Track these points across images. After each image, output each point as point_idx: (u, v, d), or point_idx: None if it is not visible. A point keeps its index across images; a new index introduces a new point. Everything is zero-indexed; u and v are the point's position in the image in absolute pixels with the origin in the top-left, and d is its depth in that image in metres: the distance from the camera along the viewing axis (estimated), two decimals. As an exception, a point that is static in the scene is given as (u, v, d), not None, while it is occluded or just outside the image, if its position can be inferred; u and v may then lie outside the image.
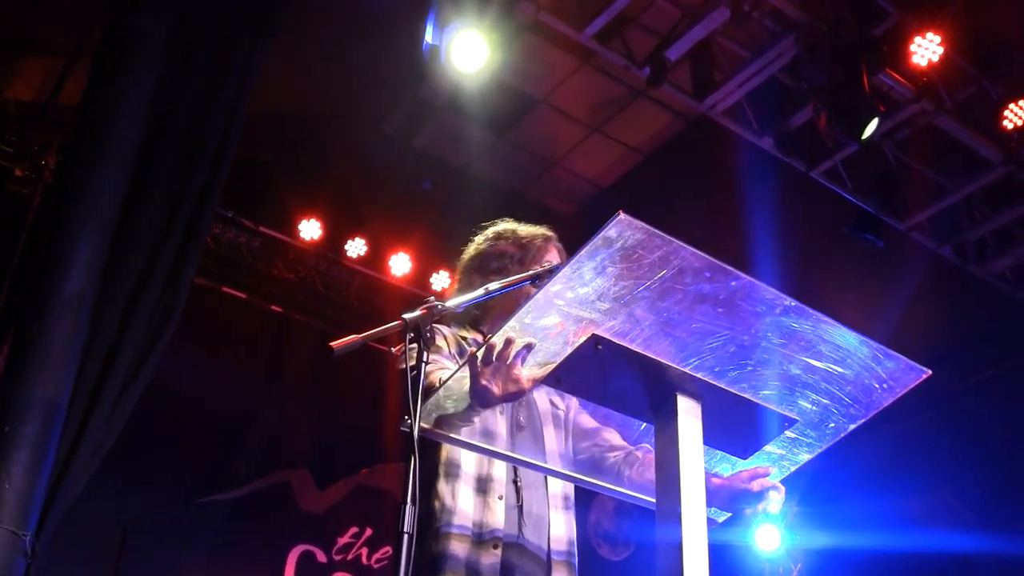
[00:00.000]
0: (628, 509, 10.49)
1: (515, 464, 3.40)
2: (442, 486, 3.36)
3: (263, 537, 9.10)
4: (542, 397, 3.60)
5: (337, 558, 9.36)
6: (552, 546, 3.42)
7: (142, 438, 7.33)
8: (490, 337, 2.73)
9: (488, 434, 3.27)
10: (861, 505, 10.45)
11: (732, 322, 2.62)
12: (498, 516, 3.33)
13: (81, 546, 7.54)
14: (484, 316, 3.76)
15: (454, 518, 3.30)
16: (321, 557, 9.28)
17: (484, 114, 8.78)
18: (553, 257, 3.78)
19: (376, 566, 9.48)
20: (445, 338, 3.58)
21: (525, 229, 3.89)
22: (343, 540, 9.45)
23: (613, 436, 3.49)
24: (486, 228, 3.95)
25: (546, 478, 3.52)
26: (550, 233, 3.91)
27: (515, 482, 3.42)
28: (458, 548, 3.26)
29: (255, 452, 9.25)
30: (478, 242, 3.91)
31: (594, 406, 3.43)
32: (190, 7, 6.09)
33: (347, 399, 9.74)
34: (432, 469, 3.39)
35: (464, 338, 3.66)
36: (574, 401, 3.65)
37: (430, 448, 3.34)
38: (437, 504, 3.34)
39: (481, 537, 3.29)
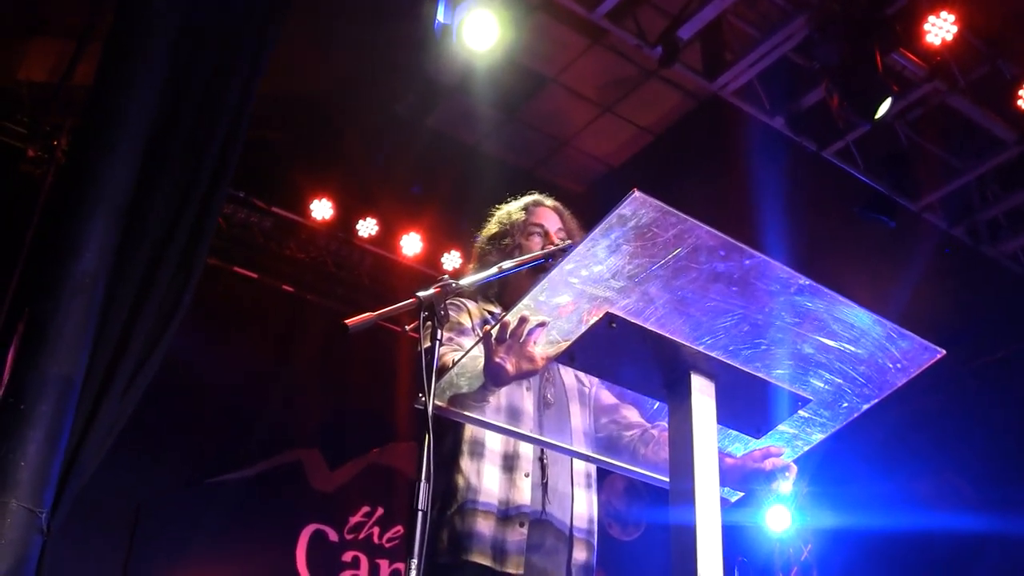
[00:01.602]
0: (639, 489, 10.52)
1: (527, 442, 3.41)
2: (466, 463, 3.37)
3: (274, 516, 9.13)
4: (568, 373, 3.62)
5: (348, 537, 9.40)
6: (575, 523, 3.44)
7: (154, 417, 7.37)
8: (504, 315, 2.74)
9: (515, 411, 3.29)
10: (870, 486, 10.45)
11: (746, 301, 2.62)
12: (524, 494, 3.34)
13: (94, 525, 7.57)
14: (503, 292, 3.79)
15: (480, 496, 3.31)
16: (332, 536, 9.32)
17: (495, 93, 8.77)
18: (538, 218, 3.86)
19: (387, 545, 9.50)
20: (469, 312, 3.61)
21: (510, 205, 3.99)
22: (354, 519, 9.48)
23: (632, 413, 3.51)
24: (501, 207, 4.00)
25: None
26: (531, 198, 3.98)
27: (541, 459, 3.44)
28: (484, 526, 3.27)
29: (266, 432, 9.27)
30: (490, 222, 3.97)
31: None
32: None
33: (358, 378, 9.76)
34: (456, 446, 3.41)
35: (490, 311, 3.69)
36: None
37: (453, 425, 3.36)
38: (461, 481, 3.35)
39: (507, 514, 3.30)
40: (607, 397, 3.63)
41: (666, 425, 3.06)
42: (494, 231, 3.90)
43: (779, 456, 3.08)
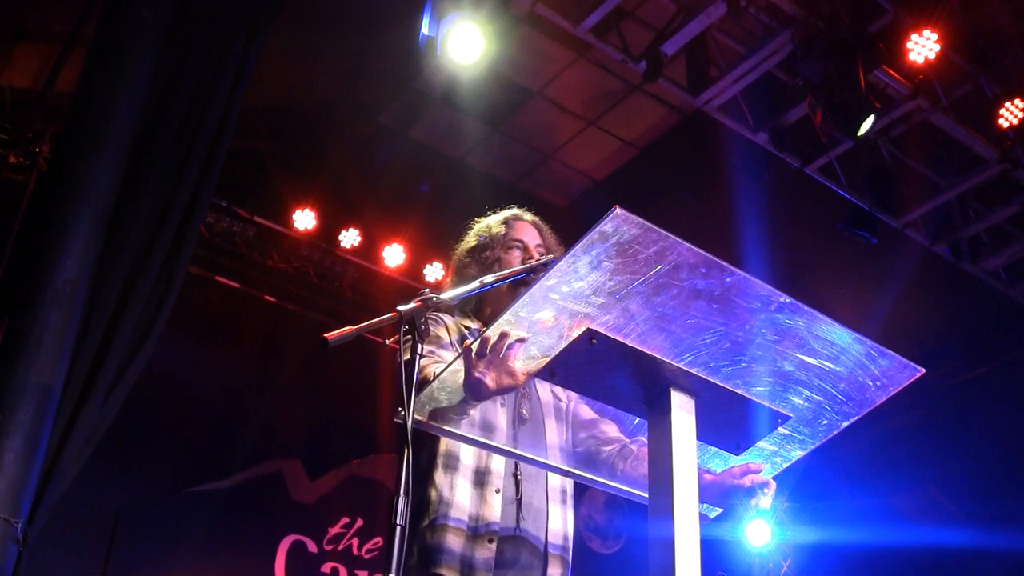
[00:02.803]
0: (619, 503, 10.52)
1: (509, 458, 3.40)
2: (440, 477, 3.36)
3: (254, 527, 9.10)
4: (544, 389, 3.61)
5: (328, 548, 9.36)
6: (549, 539, 3.42)
7: (134, 426, 7.35)
8: (485, 330, 2.73)
9: (489, 426, 3.27)
10: (850, 501, 10.47)
11: (727, 318, 2.61)
12: (494, 510, 3.32)
13: (73, 534, 7.53)
14: (483, 306, 3.78)
15: (451, 511, 3.29)
16: (312, 547, 9.28)
17: (480, 106, 8.78)
18: (518, 232, 3.85)
19: (366, 557, 9.48)
20: (447, 327, 3.59)
21: (490, 219, 3.97)
22: (334, 530, 9.45)
23: (611, 428, 3.50)
24: (479, 220, 3.99)
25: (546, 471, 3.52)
26: (510, 212, 3.98)
27: (515, 475, 3.42)
28: (453, 541, 3.25)
29: (247, 442, 9.25)
30: (468, 235, 3.96)
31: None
32: (187, -4, 6.09)
33: (340, 389, 9.75)
34: (431, 459, 3.40)
35: (468, 327, 3.68)
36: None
37: (429, 438, 3.34)
38: (434, 495, 3.34)
39: (476, 531, 3.28)
40: (586, 412, 3.61)
41: (645, 440, 3.06)
42: (473, 244, 3.90)
43: (758, 472, 3.08)
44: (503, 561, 3.27)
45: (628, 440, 3.40)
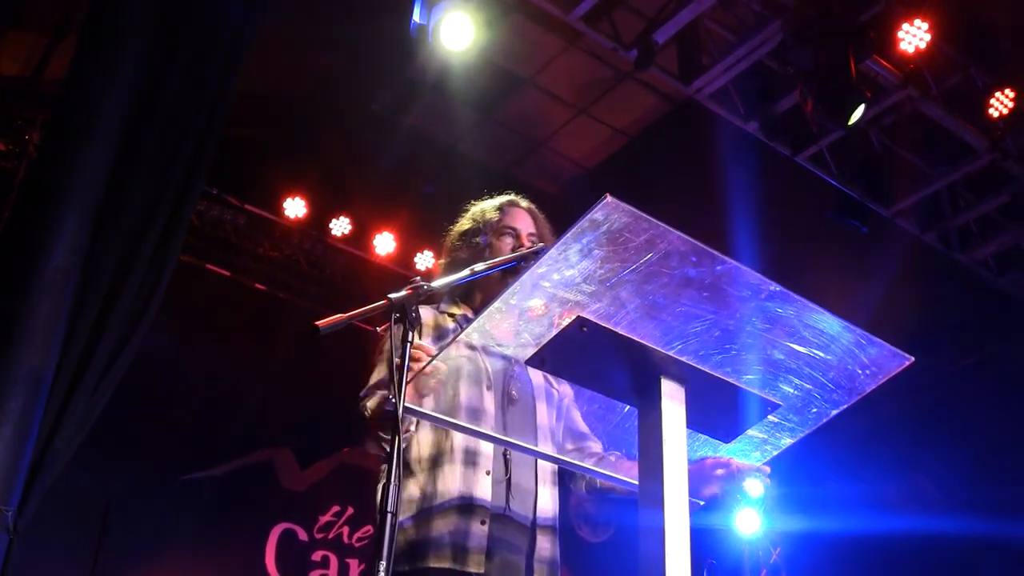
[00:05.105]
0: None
1: (497, 444, 3.41)
2: (426, 465, 3.38)
3: (245, 515, 9.12)
4: (536, 373, 3.61)
5: (318, 536, 9.38)
6: (537, 518, 3.45)
7: (125, 415, 7.32)
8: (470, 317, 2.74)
9: (475, 411, 3.29)
10: (840, 489, 10.49)
11: (717, 306, 2.61)
12: (485, 490, 3.34)
13: (63, 522, 7.52)
14: (473, 292, 3.79)
15: (437, 498, 3.31)
16: (302, 535, 9.30)
17: (471, 94, 8.77)
18: (511, 219, 3.85)
19: (357, 545, 9.50)
20: (420, 328, 3.56)
21: (485, 204, 3.97)
22: (324, 519, 9.47)
23: (596, 446, 3.56)
24: (475, 204, 4.00)
25: None
26: (506, 198, 3.98)
27: (504, 455, 3.44)
28: (442, 528, 3.26)
29: (238, 430, 9.25)
30: (463, 218, 3.97)
31: (584, 407, 3.50)
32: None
33: (330, 378, 9.73)
34: (417, 447, 3.41)
35: (453, 315, 3.69)
36: (569, 389, 3.68)
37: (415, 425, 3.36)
38: (420, 484, 3.35)
39: (468, 513, 3.30)
40: (579, 423, 3.64)
41: (620, 454, 3.10)
42: (466, 228, 3.90)
43: (728, 464, 3.11)
44: (493, 541, 3.29)
45: (604, 453, 3.45)
